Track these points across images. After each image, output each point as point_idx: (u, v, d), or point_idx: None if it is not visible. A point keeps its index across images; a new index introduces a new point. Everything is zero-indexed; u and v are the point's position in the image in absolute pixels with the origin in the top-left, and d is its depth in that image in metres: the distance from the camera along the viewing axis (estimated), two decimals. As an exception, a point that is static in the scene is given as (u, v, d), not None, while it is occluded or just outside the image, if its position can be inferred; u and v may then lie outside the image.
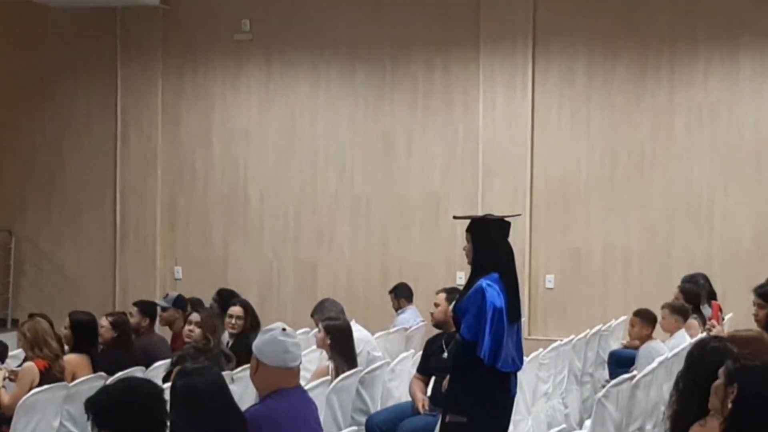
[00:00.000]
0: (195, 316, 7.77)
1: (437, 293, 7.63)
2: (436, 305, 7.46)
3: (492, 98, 12.03)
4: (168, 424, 4.03)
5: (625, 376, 6.91)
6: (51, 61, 13.45)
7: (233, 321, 8.28)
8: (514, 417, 7.33)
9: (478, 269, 6.01)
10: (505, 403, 6.05)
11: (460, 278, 11.78)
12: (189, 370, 4.51)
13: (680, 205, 11.57)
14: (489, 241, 6.04)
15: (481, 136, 12.06)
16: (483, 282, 5.88)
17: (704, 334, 7.94)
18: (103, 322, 8.19)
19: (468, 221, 6.31)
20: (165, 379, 7.04)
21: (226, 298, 9.28)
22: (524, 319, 11.05)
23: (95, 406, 3.99)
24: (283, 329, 4.77)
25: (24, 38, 13.60)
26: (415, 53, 12.34)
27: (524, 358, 6.26)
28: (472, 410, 5.81)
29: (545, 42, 11.91)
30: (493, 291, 5.85)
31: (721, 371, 4.42)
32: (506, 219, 6.20)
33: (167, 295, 9.83)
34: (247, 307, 8.50)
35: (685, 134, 11.59)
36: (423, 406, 7.02)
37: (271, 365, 4.70)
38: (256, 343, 4.75)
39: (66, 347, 7.78)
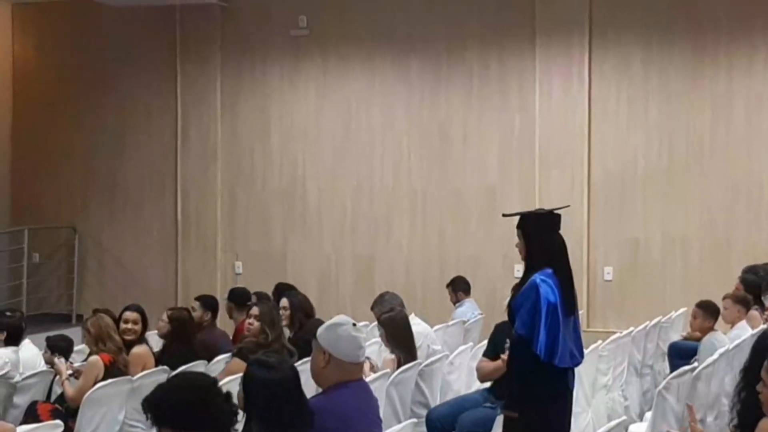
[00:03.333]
0: (255, 310, 7.85)
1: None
2: None
3: (548, 89, 12.00)
4: (230, 418, 4.08)
5: (686, 367, 6.87)
6: (112, 59, 13.63)
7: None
8: (575, 410, 7.33)
9: (531, 265, 5.98)
10: (565, 398, 6.02)
11: (518, 271, 11.75)
12: (267, 363, 4.59)
13: (740, 195, 11.46)
14: (540, 236, 6.01)
15: (538, 127, 12.02)
16: (537, 277, 5.85)
17: (766, 326, 7.87)
18: (163, 316, 8.32)
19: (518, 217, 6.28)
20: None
21: (281, 292, 9.36)
22: (582, 312, 11.09)
23: (152, 405, 4.04)
24: (354, 324, 4.84)
25: (85, 37, 13.81)
26: (471, 45, 12.34)
27: (584, 351, 6.23)
28: (531, 406, 5.78)
29: (601, 31, 11.85)
30: (546, 286, 5.82)
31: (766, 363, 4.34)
32: (556, 212, 6.15)
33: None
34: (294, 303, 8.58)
35: (744, 123, 11.48)
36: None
37: (342, 359, 4.77)
38: (328, 337, 4.80)
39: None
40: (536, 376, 5.80)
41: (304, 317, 8.54)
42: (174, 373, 4.31)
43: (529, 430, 5.76)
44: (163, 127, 13.43)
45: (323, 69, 12.92)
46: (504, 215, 6.65)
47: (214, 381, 4.06)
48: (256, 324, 7.56)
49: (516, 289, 6.14)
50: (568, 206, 6.53)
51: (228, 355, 7.87)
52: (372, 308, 8.85)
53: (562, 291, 5.85)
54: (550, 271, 5.87)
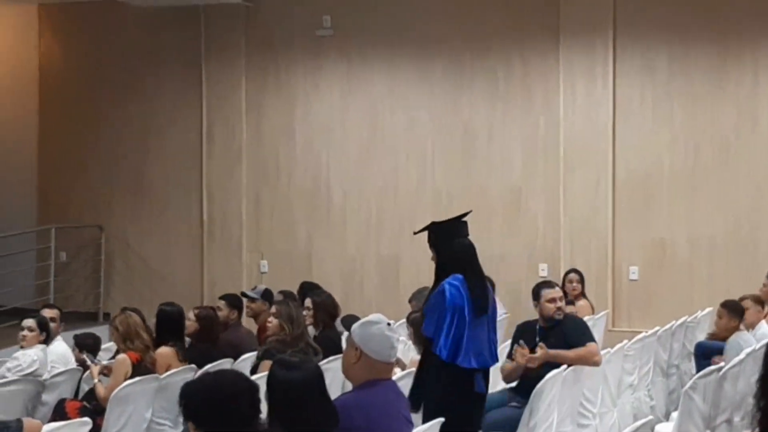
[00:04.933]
0: (273, 308, 7.89)
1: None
2: None
3: (572, 90, 11.99)
4: (259, 416, 4.12)
5: (713, 367, 6.86)
6: (137, 59, 13.71)
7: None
8: (600, 409, 7.35)
9: (441, 272, 6.26)
10: (469, 399, 6.13)
11: (543, 270, 11.79)
12: (289, 363, 4.61)
13: (765, 195, 11.42)
14: (448, 243, 6.28)
15: (562, 127, 12.01)
16: (445, 283, 6.14)
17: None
18: (190, 315, 8.36)
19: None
20: (252, 371, 7.21)
21: (306, 291, 9.38)
22: (608, 311, 11.11)
23: (181, 398, 4.09)
24: (388, 324, 4.87)
25: (110, 37, 13.90)
26: (494, 45, 12.34)
27: (497, 353, 6.46)
28: (435, 404, 5.93)
29: (625, 32, 11.83)
30: (454, 290, 6.10)
31: None
32: (462, 219, 6.43)
33: (255, 287, 9.96)
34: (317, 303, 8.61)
35: (770, 123, 11.44)
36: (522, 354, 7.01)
37: (374, 358, 4.80)
38: (361, 334, 4.83)
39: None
40: (440, 376, 6.05)
41: (328, 317, 8.54)
42: (217, 370, 4.34)
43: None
44: (188, 126, 13.50)
45: (347, 69, 12.95)
46: (415, 233, 6.86)
47: (241, 383, 4.08)
48: (275, 321, 7.58)
49: (428, 295, 6.41)
50: (471, 212, 6.75)
51: (253, 354, 7.90)
52: (410, 301, 8.89)
53: (472, 294, 6.11)
54: (460, 276, 6.15)
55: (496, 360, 6.45)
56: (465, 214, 6.55)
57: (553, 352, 6.93)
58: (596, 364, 7.05)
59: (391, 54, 12.77)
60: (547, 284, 7.43)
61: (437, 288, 6.20)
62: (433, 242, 6.37)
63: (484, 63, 12.38)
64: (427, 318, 6.23)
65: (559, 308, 7.21)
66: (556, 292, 7.30)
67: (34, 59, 14.34)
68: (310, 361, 4.86)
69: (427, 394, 6.07)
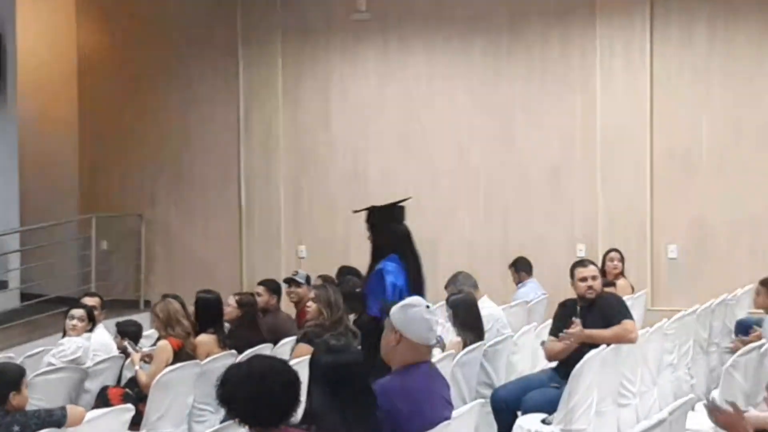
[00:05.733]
0: (312, 293, 7.92)
1: None
2: None
3: (609, 68, 11.91)
4: (298, 404, 4.15)
5: (753, 344, 6.83)
6: (174, 47, 13.78)
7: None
8: (640, 388, 7.34)
9: (379, 253, 6.52)
10: None
11: (581, 251, 11.75)
12: (332, 346, 4.65)
13: (808, 172, 11.32)
14: (385, 226, 6.56)
15: (600, 106, 11.95)
16: (382, 264, 6.40)
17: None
18: (231, 301, 8.41)
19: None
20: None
21: (344, 275, 9.40)
22: (647, 290, 11.06)
23: (219, 384, 4.13)
24: (427, 306, 4.90)
25: (147, 25, 13.97)
26: (532, 24, 12.28)
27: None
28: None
29: (663, 9, 11.73)
30: (392, 271, 6.36)
31: None
32: (399, 204, 6.70)
33: (296, 272, 9.97)
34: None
35: (812, 99, 11.32)
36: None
37: (414, 341, 4.83)
38: (400, 317, 4.85)
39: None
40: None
41: (359, 303, 8.48)
42: (254, 356, 4.37)
43: None
44: (226, 113, 13.56)
45: (384, 52, 12.95)
46: (354, 211, 7.14)
47: (286, 381, 4.10)
48: (314, 306, 7.61)
49: (366, 276, 6.66)
50: (410, 198, 7.05)
51: (293, 338, 7.95)
52: (446, 287, 8.91)
53: (408, 275, 6.39)
54: (396, 257, 6.43)
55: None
56: (404, 200, 6.81)
57: (588, 331, 6.92)
58: (632, 341, 7.04)
59: (428, 36, 12.74)
60: (580, 263, 7.42)
61: (374, 269, 6.43)
62: (371, 224, 6.64)
63: (521, 43, 12.33)
64: (370, 299, 6.45)
65: (590, 287, 7.19)
66: (588, 271, 7.27)
67: (72, 48, 14.45)
68: (352, 345, 4.90)
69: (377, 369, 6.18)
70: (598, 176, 11.91)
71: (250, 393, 4.00)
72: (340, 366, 4.48)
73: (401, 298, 6.02)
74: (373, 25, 12.85)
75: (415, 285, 6.38)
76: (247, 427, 4.04)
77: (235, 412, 4.03)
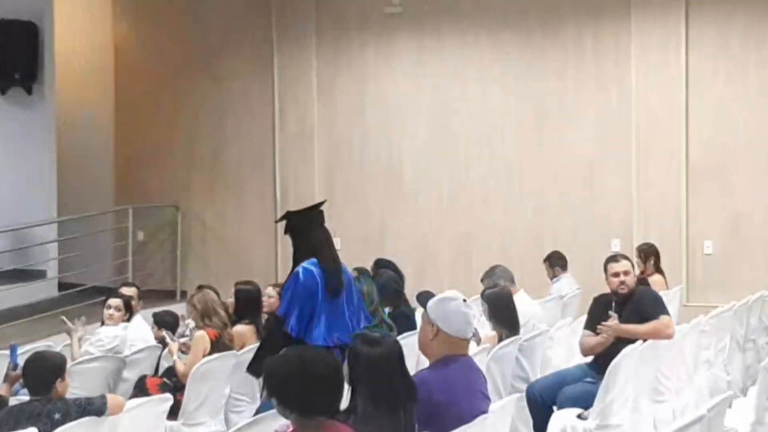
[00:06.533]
0: (348, 284, 7.93)
1: None
2: None
3: (645, 62, 11.86)
4: (342, 392, 4.18)
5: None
6: (209, 44, 13.85)
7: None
8: (676, 385, 7.31)
9: (298, 256, 6.66)
10: None
11: (615, 245, 11.71)
12: (371, 339, 4.68)
13: None
14: (303, 230, 6.71)
15: (635, 100, 11.91)
16: (300, 267, 6.54)
17: None
18: (271, 291, 8.44)
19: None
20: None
21: (380, 267, 9.41)
22: (682, 286, 11.01)
23: (267, 374, 4.16)
24: (464, 300, 4.91)
25: (183, 20, 14.05)
26: (566, 19, 12.25)
27: (350, 332, 6.62)
28: None
29: (699, 2, 11.67)
30: (308, 274, 6.50)
31: None
32: (315, 208, 6.91)
33: None
34: None
35: None
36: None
37: (451, 334, 4.85)
38: (437, 310, 4.88)
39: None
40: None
41: (395, 295, 8.49)
42: (303, 348, 4.41)
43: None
44: (261, 107, 13.62)
45: (418, 46, 12.96)
46: (276, 221, 7.19)
47: (333, 370, 4.13)
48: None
49: (287, 278, 6.76)
50: (325, 201, 7.22)
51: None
52: (482, 280, 8.92)
53: (326, 277, 6.52)
54: (315, 260, 6.56)
55: (350, 339, 6.63)
56: (321, 204, 7.01)
57: (624, 326, 6.91)
58: (669, 337, 7.02)
59: (462, 30, 12.74)
60: (613, 258, 7.40)
61: (293, 272, 6.61)
62: (289, 229, 6.79)
63: (555, 37, 12.30)
64: (282, 299, 6.65)
65: (622, 282, 7.18)
66: (620, 266, 7.25)
67: (109, 43, 14.55)
68: (390, 337, 4.93)
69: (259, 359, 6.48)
70: (633, 171, 11.87)
71: (302, 381, 4.03)
72: (380, 357, 4.51)
73: (313, 299, 6.46)
74: (406, 19, 12.87)
75: (332, 288, 6.57)
76: (293, 415, 4.07)
77: (287, 401, 4.05)
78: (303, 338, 6.42)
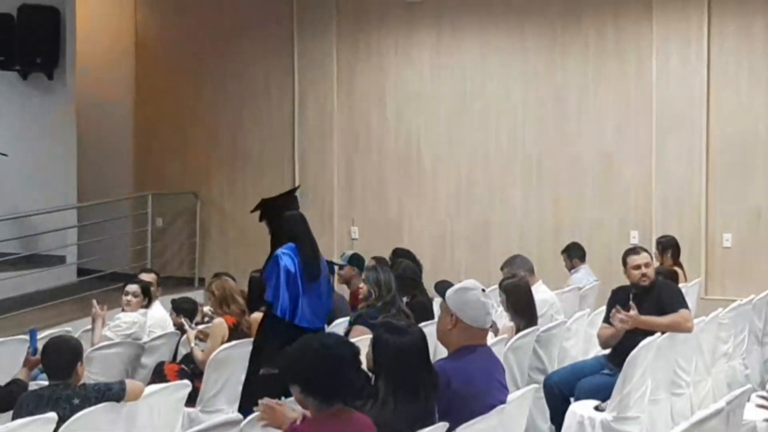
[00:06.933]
0: (363, 274, 7.95)
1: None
2: None
3: (665, 55, 11.80)
4: (362, 377, 4.19)
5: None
6: (230, 31, 13.84)
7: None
8: (694, 377, 7.30)
9: (276, 242, 6.84)
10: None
11: (634, 237, 11.69)
12: (396, 327, 4.70)
13: None
14: (280, 216, 6.87)
15: (655, 94, 11.85)
16: (279, 251, 6.70)
17: None
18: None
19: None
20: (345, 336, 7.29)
21: (398, 257, 9.42)
22: (701, 279, 10.98)
23: (290, 361, 4.18)
24: (482, 290, 4.92)
25: (205, 8, 14.07)
26: (586, 11, 12.19)
27: (324, 317, 7.01)
28: (270, 358, 6.48)
29: (721, -4, 11.63)
30: (287, 258, 6.66)
31: None
32: (292, 194, 7.16)
33: (344, 254, 10.04)
34: None
35: None
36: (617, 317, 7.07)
37: (470, 324, 4.85)
38: (456, 300, 4.89)
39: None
40: (282, 336, 6.54)
41: (411, 285, 8.48)
42: (321, 334, 4.45)
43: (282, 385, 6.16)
44: (281, 96, 13.62)
45: (438, 37, 12.93)
46: (251, 212, 7.54)
47: (353, 354, 4.16)
48: (365, 287, 7.64)
49: (265, 264, 6.96)
50: (299, 186, 7.37)
51: (346, 319, 7.98)
52: (501, 269, 8.93)
53: (304, 261, 6.69)
54: (292, 245, 6.73)
55: (324, 323, 6.99)
56: (295, 189, 7.28)
57: (644, 317, 6.89)
58: (688, 330, 7.00)
59: (483, 21, 12.70)
60: (633, 251, 7.38)
61: (272, 257, 6.75)
62: (265, 216, 6.99)
63: (576, 28, 12.25)
64: (267, 285, 6.79)
65: (644, 275, 7.17)
66: (641, 258, 7.23)
67: (130, 29, 14.58)
68: (415, 325, 4.95)
69: (266, 353, 6.68)
70: (652, 163, 11.83)
71: (324, 365, 4.05)
72: (407, 346, 4.53)
73: (295, 282, 6.61)
74: (427, 10, 12.85)
75: (310, 271, 6.72)
76: (315, 402, 4.07)
77: (310, 386, 4.06)
78: (291, 320, 6.63)
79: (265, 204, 7.10)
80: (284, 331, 6.60)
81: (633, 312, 6.89)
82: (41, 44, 13.31)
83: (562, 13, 12.28)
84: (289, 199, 7.10)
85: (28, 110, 13.59)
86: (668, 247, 10.43)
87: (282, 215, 6.91)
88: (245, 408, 6.26)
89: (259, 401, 4.45)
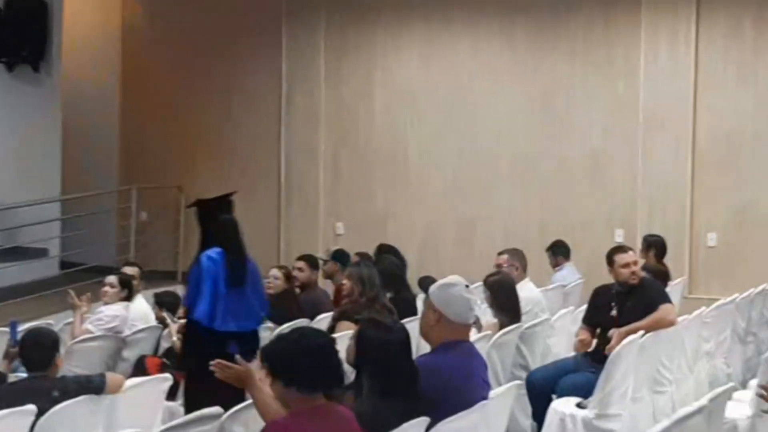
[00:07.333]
0: (347, 270, 7.94)
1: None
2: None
3: (654, 52, 11.81)
4: (340, 374, 4.19)
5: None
6: (218, 25, 13.79)
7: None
8: (676, 376, 7.31)
9: (204, 245, 6.83)
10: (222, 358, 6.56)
11: (619, 236, 11.70)
12: (380, 323, 4.71)
13: None
14: (211, 219, 6.89)
15: (642, 91, 11.86)
16: (204, 255, 6.69)
17: None
18: (276, 273, 8.45)
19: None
20: (329, 332, 7.27)
21: (383, 253, 9.41)
22: (684, 278, 10.99)
23: (270, 356, 4.17)
24: (466, 286, 4.91)
25: (191, 3, 14.02)
26: (576, 7, 12.20)
27: (254, 320, 6.93)
28: (193, 366, 6.52)
29: (709, -8, 11.64)
30: (211, 262, 6.65)
31: None
32: (224, 198, 7.15)
33: (328, 249, 10.03)
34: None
35: None
36: (579, 346, 7.09)
37: (453, 320, 4.85)
38: (440, 296, 4.89)
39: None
40: (198, 339, 6.63)
41: (396, 280, 8.47)
42: (296, 327, 4.45)
43: (196, 388, 6.40)
44: (269, 90, 13.57)
45: (428, 32, 12.91)
46: (187, 207, 7.41)
47: (332, 342, 4.18)
48: (348, 284, 7.63)
49: (191, 266, 6.97)
50: (236, 192, 7.50)
51: (329, 314, 7.97)
52: (500, 253, 9.04)
53: (230, 266, 6.67)
54: (219, 249, 6.70)
55: (256, 324, 6.95)
56: (230, 194, 7.24)
57: (625, 328, 6.86)
58: (672, 323, 7.03)
59: (473, 17, 12.68)
60: (620, 249, 7.38)
61: (196, 259, 6.78)
62: (198, 217, 7.01)
63: (565, 25, 12.25)
64: (187, 287, 6.84)
65: (633, 273, 7.18)
66: (630, 257, 7.25)
67: (116, 21, 14.52)
68: (398, 322, 4.97)
69: (187, 355, 6.77)
70: (639, 161, 11.84)
71: (303, 354, 4.07)
72: (391, 343, 4.55)
73: (216, 287, 6.60)
74: (416, 5, 12.83)
75: (235, 277, 6.72)
76: (297, 393, 4.06)
77: (290, 377, 4.05)
78: (211, 325, 6.60)
79: (200, 204, 7.12)
80: (202, 335, 6.68)
81: (614, 332, 6.85)
82: (28, 36, 13.24)
83: (552, 11, 12.28)
84: (223, 202, 7.14)
85: (13, 103, 13.51)
86: (652, 245, 10.41)
87: (215, 218, 6.92)
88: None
89: (211, 363, 4.68)
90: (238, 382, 4.64)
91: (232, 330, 6.63)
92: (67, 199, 13.35)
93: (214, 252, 6.69)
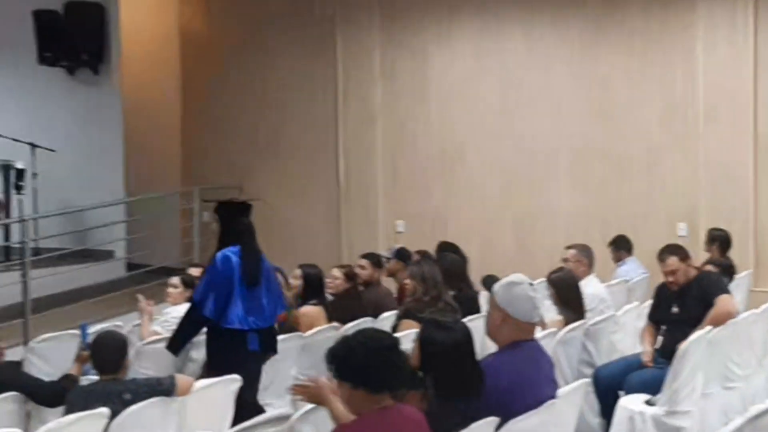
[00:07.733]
0: (408, 269, 7.96)
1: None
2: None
3: (712, 41, 11.66)
4: (407, 373, 4.20)
5: None
6: (273, 25, 13.88)
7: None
8: (746, 371, 7.23)
9: (222, 243, 7.00)
10: (240, 355, 6.79)
11: (681, 230, 11.58)
12: (442, 324, 4.71)
13: None
14: (231, 220, 7.09)
15: (702, 82, 11.72)
16: (221, 253, 6.87)
17: None
18: (336, 273, 8.50)
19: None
20: (392, 331, 7.29)
21: (443, 251, 9.40)
22: (750, 271, 10.85)
23: (337, 358, 4.18)
24: (530, 284, 4.90)
25: (246, 5, 14.11)
26: (631, 0, 12.10)
27: (272, 318, 7.05)
28: (214, 360, 6.80)
29: (768, -20, 11.48)
30: (225, 259, 6.84)
31: None
32: (245, 202, 7.39)
33: (390, 247, 10.04)
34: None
35: None
36: (647, 360, 7.07)
37: (519, 319, 4.84)
38: (504, 295, 4.88)
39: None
40: (213, 335, 6.84)
41: (456, 279, 8.45)
42: (360, 329, 4.46)
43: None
44: (325, 90, 13.63)
45: (480, 29, 12.87)
46: (204, 201, 7.58)
47: (397, 342, 4.18)
48: (411, 283, 7.64)
49: (207, 262, 7.17)
50: (259, 200, 7.99)
51: (393, 312, 7.99)
52: (568, 248, 9.11)
53: (246, 265, 6.86)
54: (237, 248, 6.90)
55: (272, 322, 7.06)
56: (251, 200, 7.54)
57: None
58: (731, 314, 6.99)
59: (525, 11, 12.62)
60: (659, 256, 7.47)
61: (213, 256, 6.95)
62: (219, 215, 7.18)
63: (621, 16, 12.13)
64: (200, 282, 7.01)
65: (672, 281, 7.26)
66: (666, 266, 7.32)
67: (175, 26, 14.67)
68: (460, 322, 4.95)
69: (207, 351, 6.94)
70: (700, 152, 11.70)
71: (376, 355, 4.07)
72: (454, 343, 4.54)
73: (229, 284, 6.77)
74: (469, 1, 12.79)
75: (249, 275, 6.88)
76: (367, 393, 4.08)
77: (363, 376, 4.06)
78: (219, 321, 6.76)
79: (221, 205, 7.37)
80: (218, 331, 6.84)
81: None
82: (87, 40, 13.43)
83: (606, 4, 12.18)
84: (244, 207, 7.39)
85: (75, 106, 13.71)
86: (716, 239, 10.32)
87: (234, 218, 7.16)
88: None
89: (293, 386, 4.78)
90: (312, 398, 4.58)
91: (237, 327, 6.79)
92: (131, 201, 13.51)
93: (231, 251, 6.90)
